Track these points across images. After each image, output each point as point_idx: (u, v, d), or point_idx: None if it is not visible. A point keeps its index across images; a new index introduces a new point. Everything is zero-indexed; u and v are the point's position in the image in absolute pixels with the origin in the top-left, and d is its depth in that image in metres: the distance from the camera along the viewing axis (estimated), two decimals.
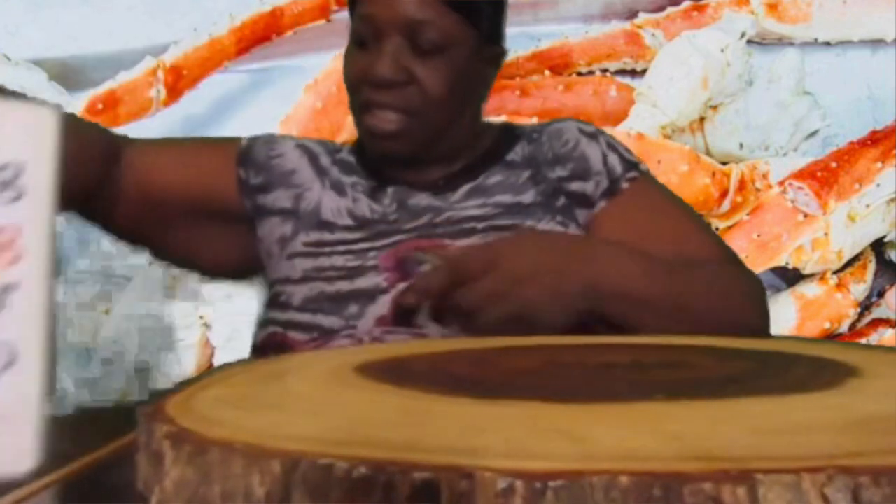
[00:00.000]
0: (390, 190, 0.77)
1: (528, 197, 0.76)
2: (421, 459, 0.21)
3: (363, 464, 0.21)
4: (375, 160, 0.80)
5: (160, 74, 1.62)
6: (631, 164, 0.79)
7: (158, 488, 0.25)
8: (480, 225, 0.74)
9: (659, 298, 0.65)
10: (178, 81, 1.64)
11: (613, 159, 0.78)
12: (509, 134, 0.83)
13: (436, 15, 0.72)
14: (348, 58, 0.77)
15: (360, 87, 0.74)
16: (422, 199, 0.77)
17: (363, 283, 0.71)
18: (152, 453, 0.26)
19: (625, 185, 0.77)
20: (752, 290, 0.76)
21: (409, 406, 0.29)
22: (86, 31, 1.75)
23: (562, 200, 0.77)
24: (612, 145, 0.80)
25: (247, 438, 0.23)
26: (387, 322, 0.69)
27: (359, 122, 0.77)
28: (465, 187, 0.77)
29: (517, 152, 0.80)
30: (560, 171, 0.77)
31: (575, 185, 0.77)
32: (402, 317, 0.68)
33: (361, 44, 0.75)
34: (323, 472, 0.21)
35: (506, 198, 0.76)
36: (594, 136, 0.80)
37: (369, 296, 0.70)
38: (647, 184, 0.80)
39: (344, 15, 1.94)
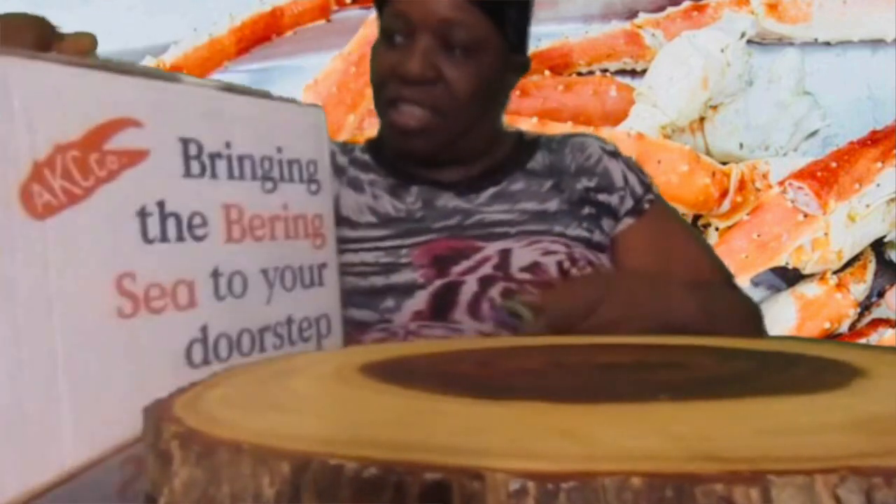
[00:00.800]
0: (414, 189, 0.78)
1: (553, 205, 0.77)
2: (431, 460, 0.21)
3: (373, 464, 0.20)
4: (395, 158, 0.81)
5: None
6: (647, 186, 0.82)
7: (167, 489, 0.25)
8: (513, 230, 0.75)
9: (699, 322, 0.68)
10: None
11: (633, 179, 0.81)
12: (527, 142, 0.84)
13: (468, 16, 0.73)
14: (376, 53, 0.77)
15: (388, 83, 0.75)
16: (448, 200, 0.78)
17: (398, 278, 0.72)
18: (160, 454, 0.26)
19: (646, 205, 0.80)
20: (752, 312, 0.81)
21: (415, 406, 0.28)
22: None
23: (587, 209, 0.78)
24: (630, 165, 0.83)
25: (255, 439, 0.23)
26: (424, 316, 0.70)
27: (384, 118, 0.77)
28: (490, 191, 0.79)
29: (538, 161, 0.82)
30: (586, 182, 0.79)
31: (601, 197, 0.79)
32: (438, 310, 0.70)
33: (391, 40, 0.75)
34: (333, 473, 0.21)
35: (530, 205, 0.77)
36: (615, 154, 0.82)
37: (406, 291, 0.71)
38: (662, 206, 0.84)
39: (344, 15, 1.94)
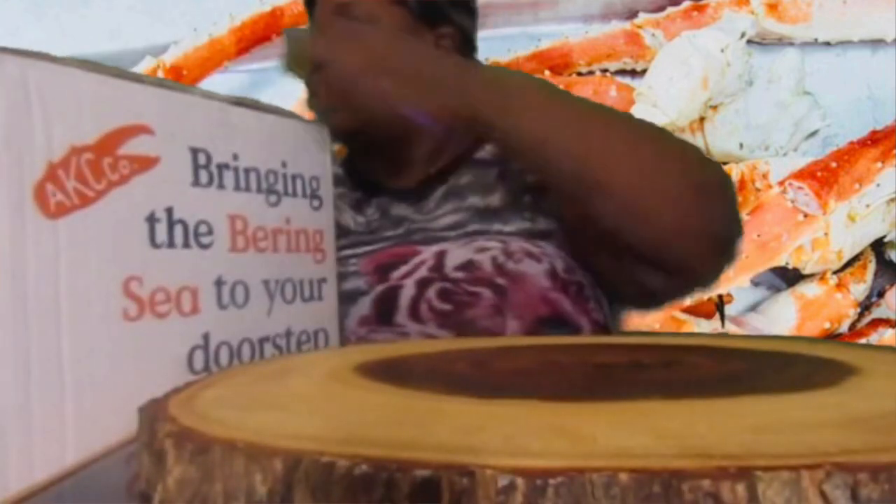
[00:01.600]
0: (374, 201, 0.80)
1: (495, 199, 0.77)
2: (422, 457, 0.21)
3: (364, 462, 0.21)
4: (362, 169, 0.82)
5: (160, 74, 1.62)
6: None
7: (161, 487, 0.25)
8: (453, 233, 0.75)
9: (560, 131, 0.60)
10: (178, 81, 1.65)
11: None
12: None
13: None
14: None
15: (320, 99, 0.73)
16: (401, 210, 0.79)
17: (346, 286, 0.72)
18: (154, 452, 0.26)
19: None
20: (693, 161, 0.65)
21: (408, 405, 0.29)
22: (86, 31, 1.75)
23: (528, 197, 0.77)
24: None
25: (249, 437, 0.24)
26: (369, 321, 0.70)
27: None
28: (440, 191, 0.79)
29: (487, 150, 0.82)
30: (515, 167, 0.78)
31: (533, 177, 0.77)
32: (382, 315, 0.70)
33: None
34: (324, 471, 0.21)
35: (475, 199, 0.78)
36: None
37: (352, 297, 0.72)
38: None
39: None
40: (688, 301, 1.55)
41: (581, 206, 0.63)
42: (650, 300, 0.76)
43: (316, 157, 0.60)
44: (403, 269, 0.72)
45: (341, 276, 0.73)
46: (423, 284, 0.70)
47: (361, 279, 0.73)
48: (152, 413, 0.28)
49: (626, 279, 0.69)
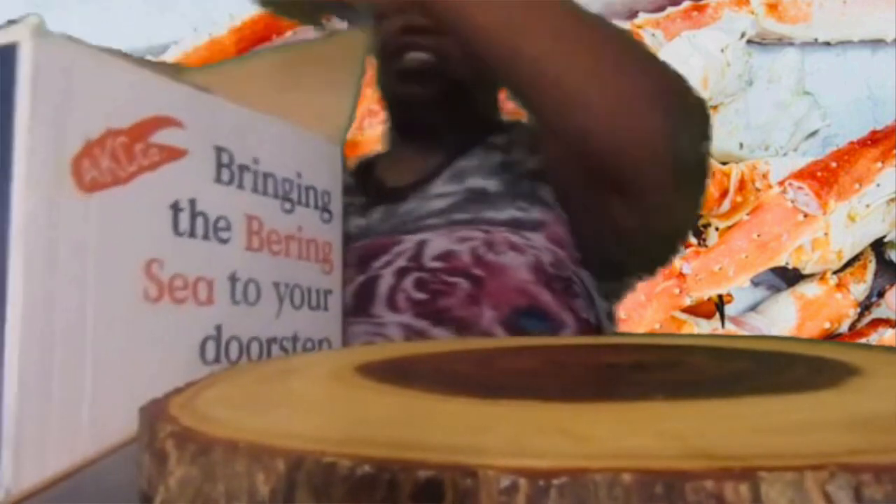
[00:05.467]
0: (381, 207, 0.79)
1: (492, 184, 0.76)
2: (424, 458, 0.21)
3: (367, 462, 0.21)
4: (399, 116, 0.82)
5: None
6: None
7: (162, 487, 0.25)
8: (437, 220, 0.74)
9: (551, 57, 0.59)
10: None
11: None
12: (501, 123, 0.84)
13: None
14: (372, 30, 0.77)
15: (397, 37, 0.76)
16: (404, 206, 0.78)
17: None
18: (156, 453, 0.26)
19: None
20: (661, 76, 0.62)
21: (411, 405, 0.29)
22: (86, 31, 1.75)
23: (527, 185, 0.76)
24: None
25: (250, 437, 0.24)
26: (347, 312, 0.69)
27: (391, 68, 0.78)
28: (445, 173, 0.78)
29: (500, 138, 0.81)
30: (521, 155, 0.78)
31: (531, 163, 0.77)
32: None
33: (383, 16, 0.76)
34: (326, 471, 0.21)
35: (473, 181, 0.77)
36: None
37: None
38: None
39: None
40: (687, 302, 1.55)
41: (539, 113, 0.64)
42: (624, 266, 0.75)
43: (328, 173, 0.62)
44: (384, 258, 0.72)
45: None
46: (400, 274, 0.70)
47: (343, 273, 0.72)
48: (153, 413, 0.28)
49: (600, 220, 0.68)
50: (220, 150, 0.51)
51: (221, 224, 0.50)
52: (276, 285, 0.55)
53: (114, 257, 0.43)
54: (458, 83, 0.78)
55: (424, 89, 0.78)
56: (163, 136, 0.47)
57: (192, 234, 0.48)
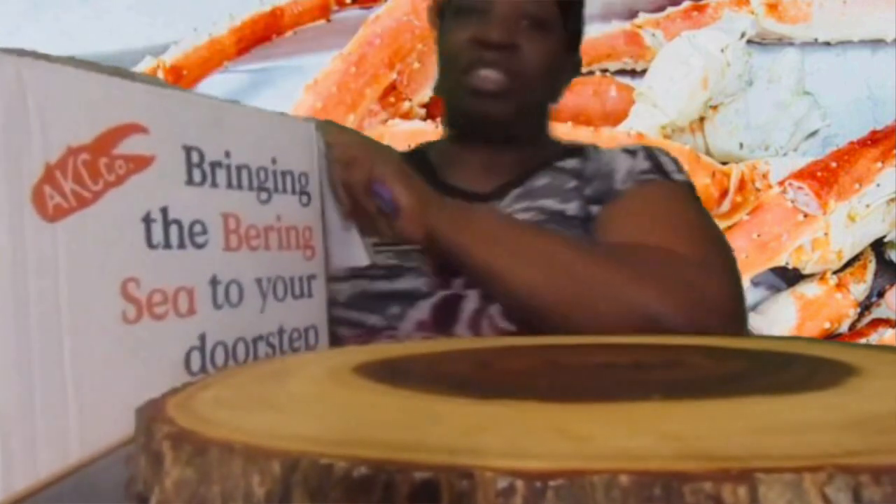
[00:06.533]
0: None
1: (572, 207, 0.76)
2: (421, 459, 0.20)
3: (363, 463, 0.20)
4: (463, 129, 0.83)
5: (160, 74, 1.62)
6: (657, 166, 0.76)
7: (158, 488, 0.25)
8: None
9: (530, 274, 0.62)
10: (178, 81, 1.65)
11: (640, 158, 0.78)
12: (566, 148, 0.85)
13: None
14: (449, 29, 0.80)
15: (467, 50, 0.77)
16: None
17: (403, 284, 0.71)
18: (152, 454, 0.26)
19: (645, 177, 0.75)
20: (681, 278, 0.62)
21: (408, 406, 0.28)
22: (86, 31, 1.75)
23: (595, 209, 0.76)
24: (652, 155, 0.78)
25: (246, 439, 0.23)
26: (427, 327, 0.68)
27: (462, 84, 0.78)
28: (514, 192, 0.78)
29: (568, 163, 0.81)
30: (596, 186, 0.77)
31: (594, 209, 0.76)
32: (440, 322, 0.69)
33: (467, 13, 0.78)
34: (323, 472, 0.21)
35: (550, 202, 0.76)
36: (631, 150, 0.80)
37: (409, 298, 0.70)
38: (670, 185, 0.76)
39: (344, 15, 1.94)
40: None
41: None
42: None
43: (304, 154, 0.60)
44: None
45: (398, 272, 0.72)
46: (487, 298, 0.68)
47: (420, 280, 0.71)
48: (149, 414, 0.28)
49: None
50: (189, 150, 0.48)
51: (197, 228, 0.48)
52: (259, 281, 0.53)
53: (87, 284, 0.41)
54: (529, 103, 0.79)
55: (497, 109, 0.78)
56: (127, 146, 0.44)
57: (167, 244, 0.46)
